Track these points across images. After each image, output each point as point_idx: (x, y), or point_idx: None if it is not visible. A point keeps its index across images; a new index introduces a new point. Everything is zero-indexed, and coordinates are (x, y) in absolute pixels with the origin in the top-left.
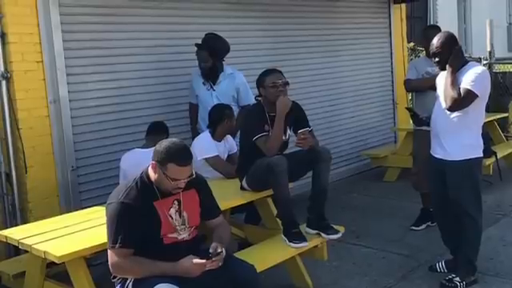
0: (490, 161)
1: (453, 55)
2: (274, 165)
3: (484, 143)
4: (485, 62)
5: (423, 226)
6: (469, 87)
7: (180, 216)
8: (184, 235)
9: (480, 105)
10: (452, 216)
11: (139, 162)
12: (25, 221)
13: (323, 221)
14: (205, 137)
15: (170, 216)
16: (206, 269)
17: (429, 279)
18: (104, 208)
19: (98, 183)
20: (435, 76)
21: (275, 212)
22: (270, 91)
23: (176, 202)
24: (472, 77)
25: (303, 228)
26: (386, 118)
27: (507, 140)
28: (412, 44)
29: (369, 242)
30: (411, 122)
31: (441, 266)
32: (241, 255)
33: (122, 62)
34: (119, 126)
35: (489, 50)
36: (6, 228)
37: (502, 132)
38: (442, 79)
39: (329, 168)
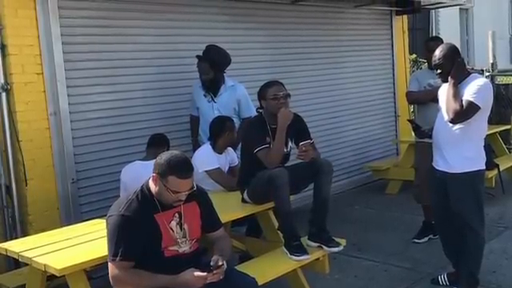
0: (492, 173)
1: (455, 67)
2: (275, 177)
3: (486, 155)
4: (487, 74)
5: (425, 239)
6: (471, 99)
7: (181, 229)
8: (185, 248)
9: (482, 117)
10: (454, 229)
11: (140, 174)
12: (25, 233)
13: (325, 233)
14: (206, 149)
15: (171, 229)
16: (207, 282)
17: None
18: (104, 220)
19: (98, 196)
20: (437, 88)
21: (276, 225)
22: (272, 103)
23: (177, 215)
24: (474, 89)
25: (304, 241)
26: (388, 130)
27: (510, 152)
28: (414, 56)
29: (370, 255)
30: (413, 134)
31: (443, 278)
32: (242, 268)
33: (123, 74)
34: (120, 139)
35: (491, 61)
36: (6, 241)
37: (505, 144)
38: (444, 91)
39: (330, 180)
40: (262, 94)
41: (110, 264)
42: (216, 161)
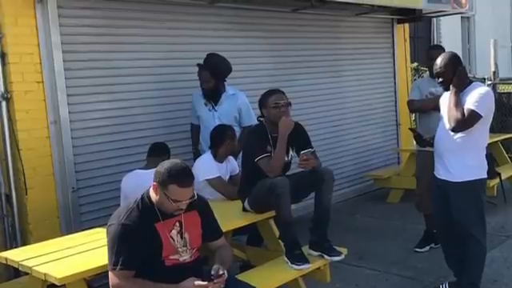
0: (493, 182)
1: (456, 75)
2: (276, 186)
3: (488, 164)
4: (489, 83)
5: (427, 248)
6: (473, 108)
7: (181, 238)
8: (186, 257)
9: (484, 125)
10: (456, 238)
11: (140, 183)
12: (25, 242)
13: (326, 242)
14: (206, 158)
15: (172, 238)
16: None
17: None
18: (105, 229)
19: (98, 204)
20: (439, 96)
21: (277, 233)
22: (273, 112)
23: (177, 224)
24: (476, 97)
25: (306, 249)
26: (389, 138)
27: (511, 161)
28: (415, 64)
29: (372, 264)
30: (414, 142)
31: None
32: (243, 277)
33: (123, 82)
34: (120, 147)
35: (493, 70)
36: (6, 250)
37: (506, 153)
38: (446, 100)
39: (331, 189)
40: (262, 103)
41: (110, 273)
42: (217, 169)
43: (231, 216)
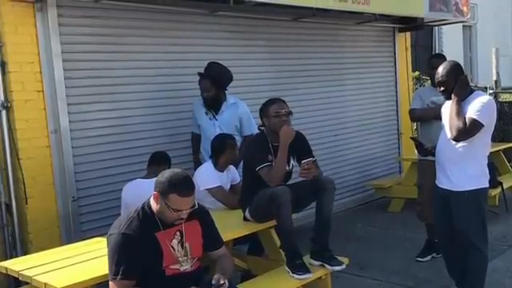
0: (495, 191)
1: (458, 84)
2: (277, 195)
3: (490, 173)
4: (490, 92)
5: (428, 257)
6: (474, 117)
7: (182, 247)
8: (186, 266)
9: (486, 135)
10: (457, 247)
11: (141, 192)
12: (25, 252)
13: (327, 252)
14: (207, 167)
15: (172, 247)
16: None
17: None
18: (105, 239)
19: (99, 214)
20: (440, 105)
21: (278, 243)
22: (273, 121)
23: (178, 233)
24: (478, 106)
25: (307, 259)
26: (391, 147)
27: None
28: (417, 73)
29: (373, 274)
30: (416, 151)
31: None
32: (244, 287)
33: (124, 91)
34: (121, 156)
35: (495, 79)
36: (7, 259)
37: (508, 162)
38: (448, 109)
39: (332, 198)
40: (263, 112)
41: (110, 283)
42: (217, 179)
43: (232, 225)
